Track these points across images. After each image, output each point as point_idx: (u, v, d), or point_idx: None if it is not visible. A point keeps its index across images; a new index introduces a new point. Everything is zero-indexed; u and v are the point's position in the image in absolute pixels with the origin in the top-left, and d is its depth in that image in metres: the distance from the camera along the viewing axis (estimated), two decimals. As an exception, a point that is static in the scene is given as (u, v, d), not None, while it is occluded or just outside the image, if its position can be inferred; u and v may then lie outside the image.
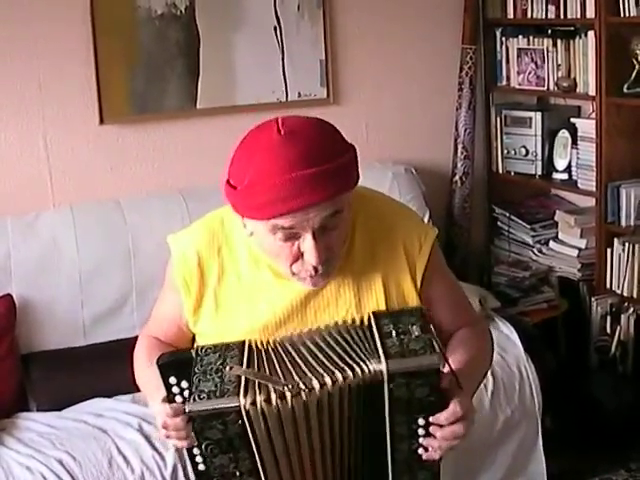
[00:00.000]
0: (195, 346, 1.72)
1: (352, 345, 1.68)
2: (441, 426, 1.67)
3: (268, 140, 1.64)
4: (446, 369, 1.66)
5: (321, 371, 1.62)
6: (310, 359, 1.66)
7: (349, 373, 1.61)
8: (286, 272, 1.76)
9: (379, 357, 1.62)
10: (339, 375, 1.61)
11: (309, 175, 1.61)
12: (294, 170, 1.60)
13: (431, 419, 1.66)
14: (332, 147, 1.67)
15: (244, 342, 1.70)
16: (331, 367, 1.63)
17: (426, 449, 1.70)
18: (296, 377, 1.62)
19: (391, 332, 1.67)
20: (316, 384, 1.60)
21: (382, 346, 1.64)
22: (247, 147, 1.68)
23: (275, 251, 1.74)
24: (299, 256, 1.71)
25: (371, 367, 1.62)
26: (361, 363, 1.63)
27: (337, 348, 1.67)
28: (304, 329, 1.75)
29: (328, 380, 1.61)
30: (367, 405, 1.66)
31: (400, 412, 1.65)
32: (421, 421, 1.67)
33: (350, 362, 1.63)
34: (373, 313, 1.75)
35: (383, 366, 1.61)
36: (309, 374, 1.62)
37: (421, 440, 1.69)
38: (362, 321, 1.74)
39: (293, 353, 1.68)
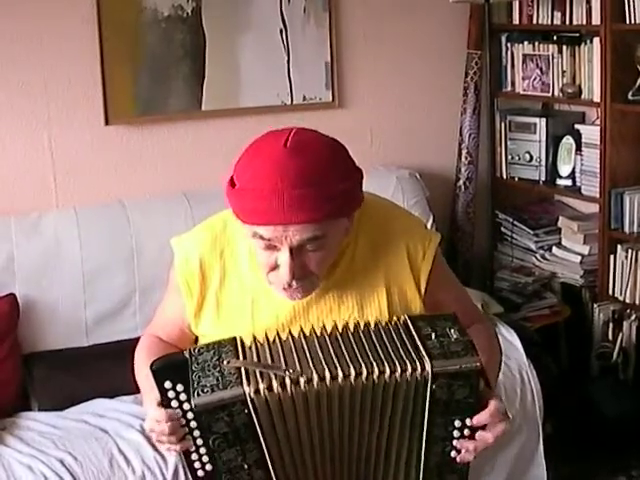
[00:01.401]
0: (187, 348, 1.72)
1: (390, 343, 1.68)
2: (481, 427, 1.68)
3: (272, 149, 1.65)
4: None
5: (361, 362, 1.62)
6: (327, 354, 1.66)
7: (397, 369, 1.62)
8: (265, 280, 1.77)
9: (422, 357, 1.63)
10: (386, 369, 1.61)
11: (297, 195, 1.60)
12: (285, 186, 1.60)
13: (474, 420, 1.67)
14: (333, 172, 1.65)
15: (235, 338, 1.71)
16: (372, 360, 1.63)
17: (459, 451, 1.71)
18: (307, 367, 1.62)
19: (430, 334, 1.68)
20: (327, 374, 1.61)
21: (423, 347, 1.65)
22: (254, 149, 1.69)
23: (256, 256, 1.76)
24: (275, 267, 1.72)
25: (416, 365, 1.62)
26: (408, 361, 1.63)
27: (376, 344, 1.67)
28: (323, 326, 1.74)
29: (353, 372, 1.61)
30: (405, 405, 1.66)
31: (438, 414, 1.66)
32: (457, 423, 1.68)
33: (397, 358, 1.63)
34: (408, 316, 1.75)
35: (428, 366, 1.62)
36: (324, 365, 1.62)
37: (455, 442, 1.70)
38: (397, 322, 1.74)
39: (305, 347, 1.68)
